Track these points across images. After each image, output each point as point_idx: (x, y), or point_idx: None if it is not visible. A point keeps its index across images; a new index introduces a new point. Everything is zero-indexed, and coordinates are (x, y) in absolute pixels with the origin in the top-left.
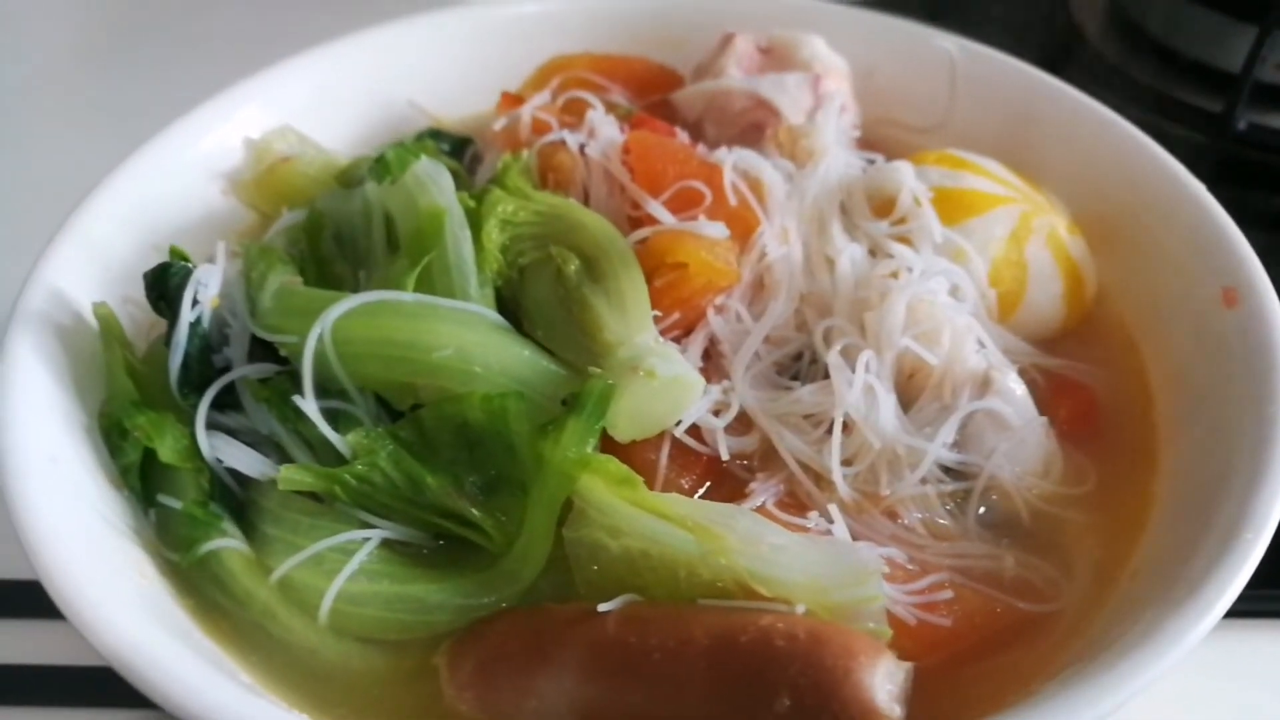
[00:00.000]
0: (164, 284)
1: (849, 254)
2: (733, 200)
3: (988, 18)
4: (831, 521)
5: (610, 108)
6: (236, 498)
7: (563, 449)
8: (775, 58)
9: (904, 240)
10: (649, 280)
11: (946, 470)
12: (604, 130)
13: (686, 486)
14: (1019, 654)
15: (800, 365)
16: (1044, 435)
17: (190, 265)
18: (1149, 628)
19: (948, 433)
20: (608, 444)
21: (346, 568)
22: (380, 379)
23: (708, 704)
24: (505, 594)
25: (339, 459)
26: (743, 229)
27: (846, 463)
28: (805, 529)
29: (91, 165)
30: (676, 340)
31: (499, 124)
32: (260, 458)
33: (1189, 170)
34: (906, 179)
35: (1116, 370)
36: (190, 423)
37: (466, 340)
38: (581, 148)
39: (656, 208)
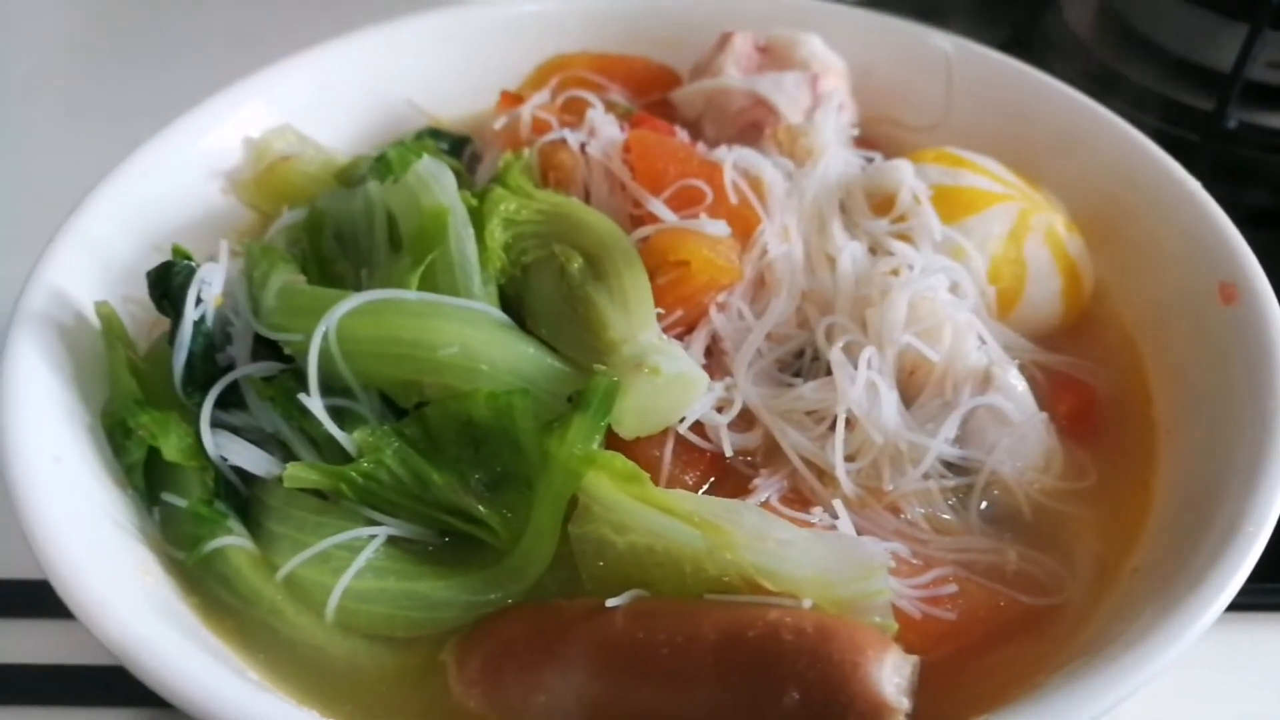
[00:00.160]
0: (167, 282)
1: (850, 252)
2: (733, 198)
3: (979, 16)
4: (836, 517)
5: (609, 107)
6: (241, 496)
7: (569, 446)
8: (773, 57)
9: (904, 238)
10: (651, 278)
11: (948, 465)
12: (604, 129)
13: (690, 483)
14: (1023, 647)
15: (802, 362)
16: (1044, 431)
17: (193, 264)
18: (1153, 621)
19: (950, 428)
20: (611, 441)
21: (353, 565)
22: (385, 377)
23: (716, 698)
24: (511, 590)
25: (344, 456)
26: (743, 227)
27: (849, 458)
28: (810, 524)
29: (90, 165)
30: (679, 338)
31: (499, 123)
32: (265, 456)
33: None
34: (906, 177)
35: (1115, 367)
36: (193, 421)
37: (472, 338)
38: (582, 146)
39: (658, 206)
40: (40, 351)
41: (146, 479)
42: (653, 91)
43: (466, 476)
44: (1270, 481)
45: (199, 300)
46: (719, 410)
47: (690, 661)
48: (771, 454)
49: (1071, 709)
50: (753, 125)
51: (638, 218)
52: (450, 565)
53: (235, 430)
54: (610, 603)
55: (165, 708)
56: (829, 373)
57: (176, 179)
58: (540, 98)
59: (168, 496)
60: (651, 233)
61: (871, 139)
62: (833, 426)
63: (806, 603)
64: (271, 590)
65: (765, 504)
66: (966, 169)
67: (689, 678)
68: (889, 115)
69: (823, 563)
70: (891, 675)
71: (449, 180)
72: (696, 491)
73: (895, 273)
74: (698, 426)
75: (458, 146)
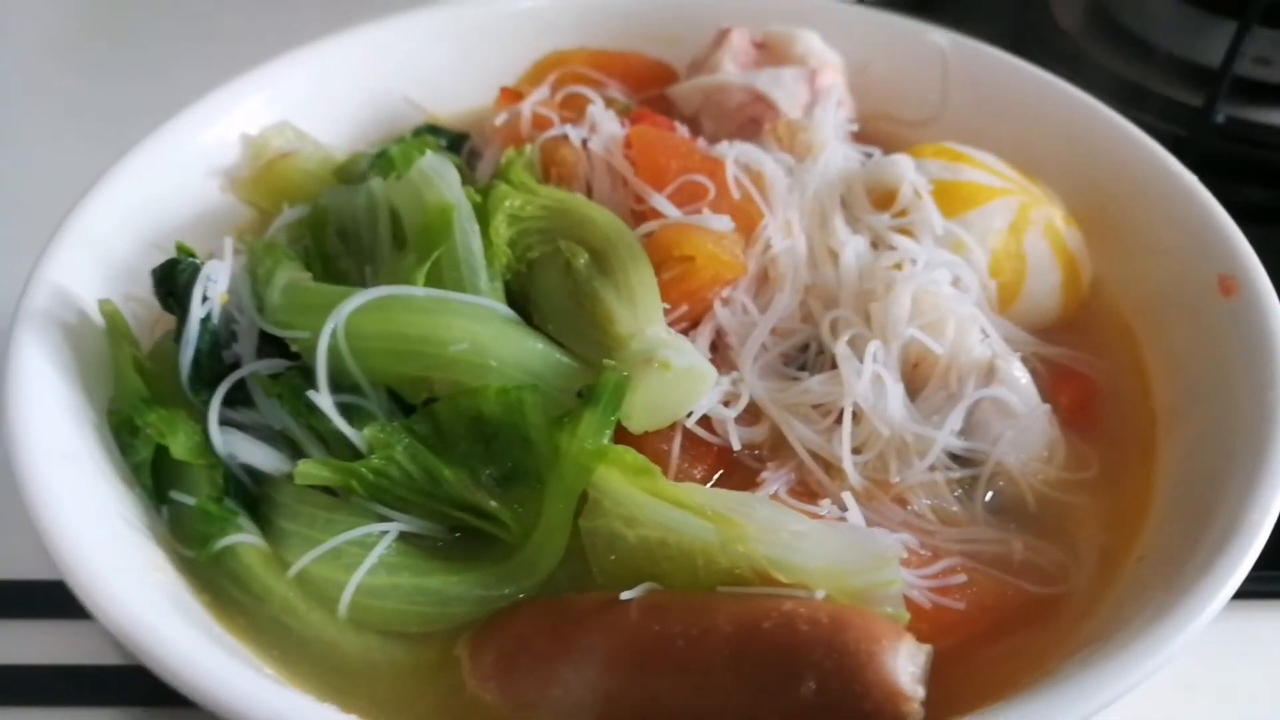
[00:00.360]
0: (173, 280)
1: (853, 246)
2: (736, 194)
3: (970, 12)
4: (845, 509)
5: (608, 103)
6: (250, 493)
7: (579, 440)
8: (770, 53)
9: (905, 232)
10: (656, 273)
11: (954, 457)
12: (605, 125)
13: (698, 476)
14: (1031, 636)
15: (806, 356)
16: (1047, 422)
17: (198, 261)
18: (1163, 608)
19: (955, 420)
20: (619, 435)
21: (366, 561)
22: (394, 373)
23: (732, 690)
24: (524, 585)
25: (352, 453)
26: (746, 222)
27: (856, 451)
28: (819, 517)
29: (87, 163)
30: (683, 333)
31: (500, 119)
32: (275, 453)
33: None
34: (906, 172)
35: (1114, 359)
36: (200, 419)
37: (481, 334)
38: (584, 142)
39: (661, 201)
40: (45, 350)
41: (154, 477)
42: (650, 87)
43: (477, 472)
44: (1273, 470)
45: (205, 298)
46: (726, 404)
47: (706, 653)
48: (778, 447)
49: (1088, 695)
50: (751, 121)
51: (640, 213)
52: (462, 561)
53: (241, 428)
54: (624, 596)
55: (160, 707)
56: (834, 366)
57: (174, 177)
58: (540, 94)
59: (176, 494)
60: (656, 228)
61: (868, 135)
62: (839, 419)
63: (819, 594)
64: (283, 587)
65: (773, 497)
66: (966, 164)
67: (705, 669)
68: (885, 111)
69: (835, 554)
70: (906, 664)
71: (453, 176)
72: (705, 485)
73: (898, 267)
74: (705, 421)
75: (456, 143)
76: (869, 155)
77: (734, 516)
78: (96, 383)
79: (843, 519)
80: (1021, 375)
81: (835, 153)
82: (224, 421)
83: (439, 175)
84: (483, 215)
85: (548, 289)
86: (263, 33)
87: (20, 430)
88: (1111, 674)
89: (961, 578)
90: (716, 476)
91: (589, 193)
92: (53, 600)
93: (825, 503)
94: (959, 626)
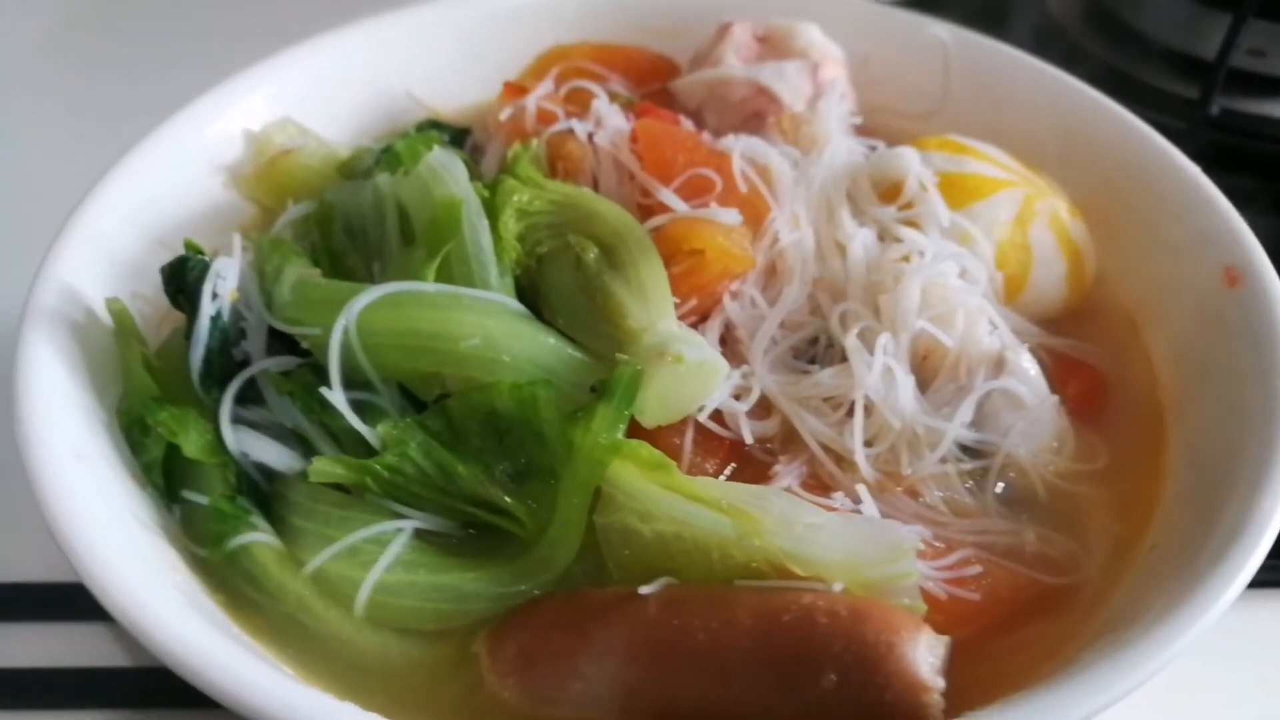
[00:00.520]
0: (182, 278)
1: (860, 239)
2: (743, 187)
3: (965, 4)
4: (858, 501)
5: (611, 97)
6: (262, 491)
7: (594, 435)
8: (771, 46)
9: (911, 225)
10: (665, 267)
11: (964, 449)
12: (611, 119)
13: (711, 470)
14: (1045, 626)
15: (816, 349)
16: (1056, 413)
17: (207, 258)
18: (1179, 596)
19: (965, 412)
20: (631, 429)
21: (383, 558)
22: (406, 369)
23: (753, 682)
24: (540, 580)
25: (364, 450)
26: (754, 216)
27: (867, 444)
28: (833, 509)
29: (88, 162)
30: (693, 326)
31: (505, 114)
32: (287, 450)
33: None
34: (912, 164)
35: (1120, 350)
36: (210, 417)
37: (492, 329)
38: (590, 137)
39: (669, 195)
40: (54, 350)
41: (165, 476)
42: (652, 81)
43: (491, 468)
44: None
45: (215, 295)
46: (737, 398)
47: (726, 647)
48: (790, 440)
49: (1107, 685)
50: (755, 114)
51: (647, 207)
52: (477, 557)
53: (253, 425)
54: (643, 590)
55: (160, 708)
56: (843, 359)
57: (177, 174)
58: (545, 88)
59: (188, 494)
60: (665, 222)
61: (870, 128)
62: (850, 412)
63: (836, 586)
64: (299, 585)
65: (786, 490)
66: (971, 156)
67: (725, 662)
68: (886, 104)
69: (852, 546)
70: (926, 655)
71: (461, 171)
72: (717, 479)
73: (906, 259)
74: (716, 414)
75: (459, 138)
76: (873, 148)
77: (749, 510)
78: (105, 382)
79: (856, 511)
80: (1031, 367)
81: (840, 146)
82: (235, 419)
83: (447, 170)
84: (491, 210)
85: (558, 284)
86: (264, 29)
87: (34, 431)
88: (1130, 664)
89: (976, 569)
90: (729, 470)
91: (595, 187)
92: (45, 603)
93: (838, 495)
94: (974, 618)
